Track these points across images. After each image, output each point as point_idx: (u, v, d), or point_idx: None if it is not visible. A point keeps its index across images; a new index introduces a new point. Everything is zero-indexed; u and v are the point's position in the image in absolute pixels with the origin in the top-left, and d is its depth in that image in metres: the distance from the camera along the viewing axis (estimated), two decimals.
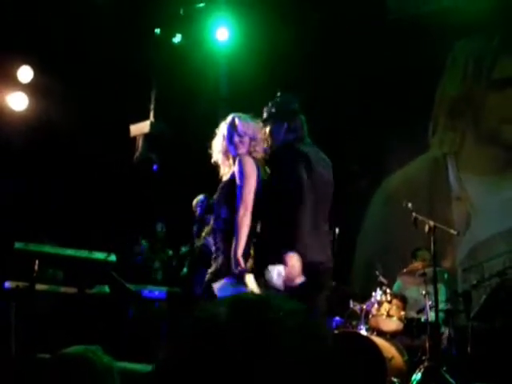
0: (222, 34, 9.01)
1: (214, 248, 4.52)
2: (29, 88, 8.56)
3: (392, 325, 6.29)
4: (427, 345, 5.90)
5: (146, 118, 8.51)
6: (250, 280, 4.20)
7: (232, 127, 4.57)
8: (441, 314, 6.21)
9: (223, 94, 9.59)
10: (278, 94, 5.01)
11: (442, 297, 6.56)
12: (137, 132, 8.46)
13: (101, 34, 8.52)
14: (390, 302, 6.31)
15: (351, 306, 6.53)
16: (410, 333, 6.45)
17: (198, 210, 7.82)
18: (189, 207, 7.92)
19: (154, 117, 8.53)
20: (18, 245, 5.94)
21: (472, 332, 6.13)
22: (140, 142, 8.40)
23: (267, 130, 4.73)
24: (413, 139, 9.20)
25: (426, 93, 9.16)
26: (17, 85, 8.49)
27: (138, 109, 8.66)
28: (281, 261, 4.18)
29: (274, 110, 4.84)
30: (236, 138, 4.54)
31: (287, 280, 4.15)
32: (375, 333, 6.19)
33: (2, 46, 8.08)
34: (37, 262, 5.91)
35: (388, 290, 6.42)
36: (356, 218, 9.42)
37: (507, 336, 6.46)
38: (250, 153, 4.52)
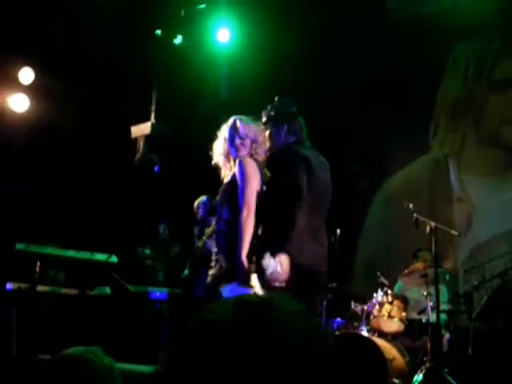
0: (223, 35, 9.00)
1: (215, 249, 4.52)
2: (30, 89, 8.56)
3: (393, 326, 6.29)
4: (428, 346, 5.91)
5: (147, 119, 8.52)
6: (254, 280, 4.21)
7: (233, 129, 4.58)
8: (442, 315, 6.21)
9: (224, 95, 9.58)
10: (276, 97, 5.04)
11: (443, 298, 6.55)
12: (138, 133, 8.46)
13: (101, 35, 8.52)
14: (391, 303, 6.31)
15: (352, 307, 6.53)
16: (412, 334, 6.44)
17: (200, 212, 7.82)
18: (190, 208, 7.92)
19: (155, 118, 8.53)
20: (19, 246, 5.93)
21: (473, 333, 6.12)
22: (141, 144, 8.40)
23: (267, 132, 4.74)
24: (413, 140, 9.20)
25: (427, 94, 9.15)
26: (18, 86, 8.49)
27: (139, 110, 8.66)
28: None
29: (273, 113, 4.86)
30: (237, 141, 4.54)
31: (271, 279, 4.16)
32: (376, 334, 6.19)
33: (2, 48, 8.09)
34: (38, 263, 5.91)
35: (389, 291, 6.42)
36: (357, 218, 9.41)
37: (509, 337, 6.45)
38: (251, 155, 4.53)
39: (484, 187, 8.77)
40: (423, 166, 9.28)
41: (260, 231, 4.43)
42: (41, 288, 6.10)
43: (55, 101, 8.54)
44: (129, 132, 8.51)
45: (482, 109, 8.88)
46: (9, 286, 6.08)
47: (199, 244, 7.54)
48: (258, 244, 4.39)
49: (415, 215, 6.29)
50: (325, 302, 6.24)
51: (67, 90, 8.57)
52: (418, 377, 5.66)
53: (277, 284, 4.17)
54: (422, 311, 6.44)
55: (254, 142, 4.55)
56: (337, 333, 6.12)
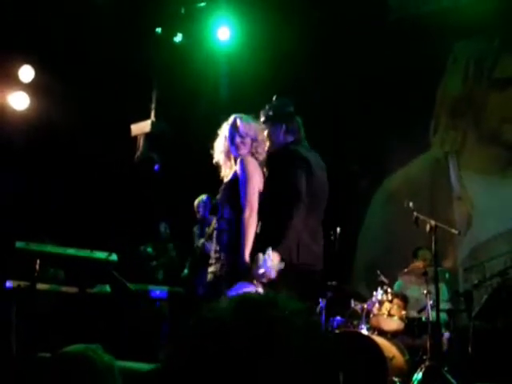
0: (224, 33, 9.00)
1: (215, 247, 4.51)
2: (30, 87, 8.56)
3: (393, 324, 6.29)
4: (428, 344, 5.90)
5: (147, 117, 8.52)
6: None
7: (233, 128, 4.57)
8: (442, 314, 6.21)
9: (224, 93, 9.58)
10: (275, 97, 5.06)
11: (443, 296, 6.56)
12: (138, 131, 8.46)
13: (101, 33, 8.52)
14: (391, 302, 6.31)
15: (352, 305, 6.53)
16: (411, 332, 6.44)
17: (200, 211, 7.81)
18: (190, 207, 7.92)
19: (155, 116, 8.53)
20: (19, 244, 5.92)
21: (473, 332, 6.12)
22: (141, 142, 8.40)
23: (266, 131, 4.75)
24: (413, 138, 9.20)
25: (427, 92, 9.15)
26: (18, 84, 8.49)
27: (139, 108, 8.66)
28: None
29: (271, 113, 4.89)
30: (237, 139, 4.54)
31: (261, 276, 4.17)
32: (376, 332, 6.19)
33: (3, 46, 8.08)
34: (38, 261, 5.91)
35: (389, 290, 6.42)
36: (357, 217, 9.42)
37: (508, 336, 6.45)
38: (252, 154, 4.53)
39: (484, 185, 8.77)
40: (423, 164, 9.28)
41: (258, 230, 4.44)
42: (41, 286, 6.09)
43: (55, 99, 8.54)
44: (129, 130, 8.50)
45: (482, 107, 8.88)
46: (9, 284, 6.08)
47: (199, 244, 7.54)
48: (254, 242, 4.40)
49: (415, 214, 6.29)
50: (325, 301, 6.25)
51: (67, 88, 8.57)
52: (418, 375, 5.65)
53: (265, 280, 4.18)
54: (422, 310, 6.44)
55: (254, 140, 4.55)
56: (337, 331, 6.12)
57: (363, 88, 9.25)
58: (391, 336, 6.21)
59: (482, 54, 8.98)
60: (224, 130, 4.64)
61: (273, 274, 4.15)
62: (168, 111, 8.75)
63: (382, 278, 6.58)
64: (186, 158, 9.07)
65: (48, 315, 6.20)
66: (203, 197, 7.76)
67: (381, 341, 5.86)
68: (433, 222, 6.11)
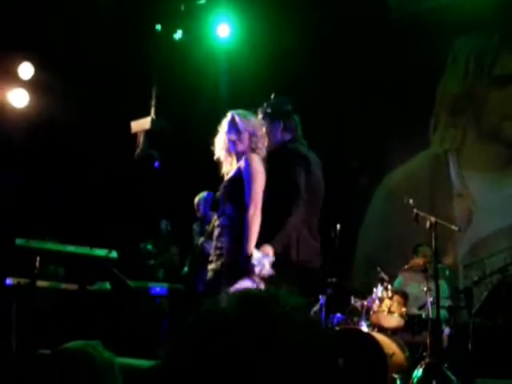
0: (223, 30, 8.99)
1: (215, 244, 4.51)
2: (29, 85, 8.56)
3: (393, 321, 6.29)
4: (428, 341, 5.90)
5: (147, 114, 8.50)
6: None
7: (231, 124, 4.57)
8: (442, 311, 6.21)
9: (224, 90, 9.57)
10: (273, 95, 5.08)
11: (443, 293, 6.56)
12: (138, 129, 8.45)
13: (101, 31, 8.51)
14: (391, 299, 6.31)
15: (352, 302, 6.52)
16: (411, 329, 6.44)
17: (200, 208, 7.80)
18: (190, 204, 7.91)
19: (155, 113, 8.51)
20: (19, 241, 5.92)
21: (473, 328, 6.12)
22: (141, 139, 8.39)
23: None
24: (413, 136, 9.20)
25: (427, 90, 9.15)
26: (17, 81, 8.49)
27: (139, 105, 8.65)
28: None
29: (269, 110, 4.92)
30: (236, 135, 4.54)
31: (258, 272, 4.17)
32: (376, 329, 6.18)
33: (2, 43, 8.07)
34: (38, 258, 5.91)
35: (389, 287, 6.41)
36: (357, 214, 9.42)
37: (508, 332, 6.46)
38: (252, 149, 4.52)
39: (484, 183, 8.77)
40: (423, 161, 9.28)
41: None
42: (41, 283, 6.09)
43: (55, 96, 8.53)
44: (129, 127, 8.49)
45: (482, 104, 8.88)
46: (9, 281, 6.08)
47: (199, 242, 7.53)
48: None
49: (415, 210, 6.28)
50: (325, 298, 6.26)
51: (67, 85, 8.57)
52: (418, 372, 5.66)
53: (264, 276, 4.18)
54: (422, 306, 6.44)
55: (252, 135, 4.55)
56: (337, 328, 6.12)
57: (363, 86, 9.25)
58: (391, 333, 6.21)
59: (481, 50, 8.97)
60: (223, 127, 4.64)
61: (269, 270, 4.15)
62: (168, 108, 8.73)
63: (382, 275, 6.57)
64: (186, 155, 9.07)
65: (48, 312, 6.20)
66: (203, 194, 7.75)
67: (381, 338, 5.86)
68: (433, 219, 6.11)
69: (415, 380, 5.61)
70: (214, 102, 9.07)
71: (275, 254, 4.27)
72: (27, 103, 8.56)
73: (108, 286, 6.76)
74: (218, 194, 4.65)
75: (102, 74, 8.79)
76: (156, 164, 8.48)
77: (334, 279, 6.48)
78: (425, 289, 6.25)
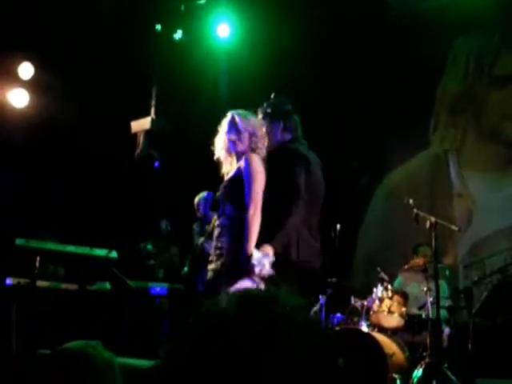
0: (223, 30, 9.00)
1: (215, 244, 4.51)
2: (29, 85, 8.55)
3: (393, 321, 6.29)
4: (428, 341, 5.90)
5: (147, 114, 8.50)
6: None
7: (231, 124, 4.57)
8: (442, 311, 6.21)
9: (224, 90, 9.57)
10: (272, 95, 5.09)
11: (443, 293, 6.56)
12: (138, 129, 8.44)
13: (101, 31, 8.51)
14: (391, 299, 6.30)
15: (352, 302, 6.52)
16: (411, 329, 6.44)
17: (200, 209, 7.80)
18: (190, 204, 7.91)
19: (155, 113, 8.51)
20: (19, 241, 5.92)
21: (473, 328, 6.12)
22: (141, 139, 8.39)
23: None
24: (413, 137, 9.19)
25: (427, 90, 9.15)
26: (18, 81, 8.48)
27: (139, 105, 8.65)
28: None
29: (269, 110, 4.92)
30: (235, 135, 4.54)
31: (258, 271, 4.17)
32: (376, 329, 6.18)
33: (2, 43, 8.07)
34: (38, 258, 5.91)
35: (389, 287, 6.41)
36: (357, 214, 9.42)
37: (508, 332, 6.46)
38: (252, 149, 4.52)
39: (484, 183, 8.77)
40: (423, 161, 9.28)
41: None
42: (41, 283, 6.09)
43: (55, 96, 8.53)
44: (129, 127, 8.49)
45: (482, 104, 8.87)
46: (9, 281, 6.08)
47: (199, 242, 7.53)
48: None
49: (415, 210, 6.28)
50: (325, 298, 6.26)
51: (67, 85, 8.56)
52: (418, 372, 5.65)
53: (264, 276, 4.18)
54: (422, 307, 6.44)
55: (252, 135, 4.55)
56: (337, 328, 6.12)
57: (363, 86, 9.25)
58: (391, 333, 6.21)
59: (482, 50, 8.97)
60: (223, 127, 4.64)
61: (269, 270, 4.15)
62: (168, 108, 8.73)
63: (382, 275, 6.57)
64: (186, 155, 9.07)
65: (48, 312, 6.20)
66: (203, 194, 7.74)
67: (381, 338, 5.86)
68: (433, 219, 6.11)
69: (415, 380, 5.61)
70: (214, 102, 9.07)
71: (275, 253, 4.27)
72: (27, 103, 8.55)
73: (108, 286, 6.76)
74: (218, 194, 4.65)
75: (102, 74, 8.78)
76: (156, 164, 8.47)
77: (334, 279, 6.48)
78: (425, 289, 6.24)
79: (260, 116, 4.87)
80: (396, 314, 6.28)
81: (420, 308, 6.53)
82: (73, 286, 6.43)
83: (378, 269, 6.69)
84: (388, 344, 5.81)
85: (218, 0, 8.85)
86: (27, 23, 8.28)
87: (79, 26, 8.48)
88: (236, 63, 9.34)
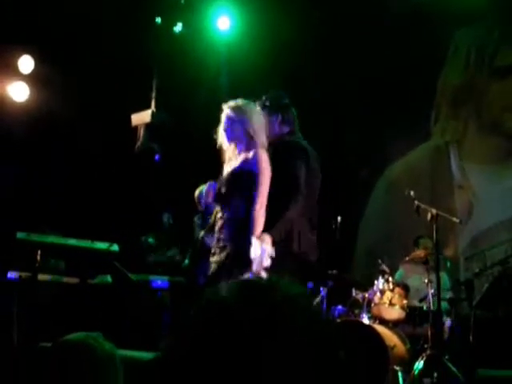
0: (223, 22, 8.98)
1: (218, 236, 4.51)
2: (30, 78, 8.54)
3: (394, 313, 6.29)
4: (429, 333, 5.90)
5: (147, 107, 8.49)
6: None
7: (228, 114, 4.58)
8: (443, 303, 6.21)
9: (224, 83, 9.56)
10: (269, 90, 5.13)
11: (444, 285, 6.55)
12: (138, 122, 8.44)
13: (101, 24, 8.49)
14: (392, 291, 6.30)
15: (353, 294, 6.53)
16: (413, 321, 6.44)
17: (202, 202, 7.78)
18: (191, 197, 7.90)
19: (155, 106, 8.50)
20: (20, 235, 5.94)
21: (474, 320, 6.13)
22: (141, 132, 8.38)
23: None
24: (414, 128, 9.17)
25: (428, 81, 9.12)
26: (18, 75, 8.47)
27: (139, 98, 8.64)
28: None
29: (267, 103, 4.95)
30: (227, 125, 4.55)
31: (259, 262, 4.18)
32: (377, 321, 6.18)
33: (2, 36, 8.06)
34: (39, 252, 5.92)
35: (390, 279, 6.41)
36: (358, 206, 9.41)
37: (509, 324, 6.46)
38: (251, 137, 4.51)
39: (485, 175, 8.76)
40: (424, 153, 9.26)
41: None
42: (42, 277, 6.11)
43: (55, 89, 8.51)
44: (129, 120, 8.49)
45: (483, 96, 8.85)
46: (10, 274, 6.10)
47: (200, 235, 7.52)
48: None
49: (416, 202, 6.28)
50: (326, 290, 6.28)
51: (67, 78, 8.54)
52: (419, 364, 5.66)
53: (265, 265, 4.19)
54: (423, 299, 6.44)
55: (244, 123, 4.54)
56: (338, 320, 6.12)
57: (364, 77, 9.23)
58: (392, 325, 6.21)
59: (483, 41, 8.93)
60: (227, 114, 4.64)
61: (266, 262, 4.17)
62: (168, 101, 8.73)
63: (383, 267, 6.57)
64: (187, 147, 9.06)
65: (49, 306, 6.21)
66: (204, 186, 7.72)
67: (382, 330, 5.86)
68: (434, 211, 6.10)
69: (416, 372, 5.61)
70: (215, 94, 9.05)
71: (274, 243, 4.28)
72: (27, 97, 8.54)
73: (109, 279, 6.78)
74: (220, 185, 4.65)
75: (102, 67, 8.77)
76: (156, 157, 8.47)
77: (334, 271, 6.49)
78: (426, 281, 6.24)
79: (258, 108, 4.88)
80: (397, 306, 6.28)
81: (421, 300, 6.53)
82: (74, 280, 6.45)
83: (379, 261, 6.68)
84: (389, 336, 5.82)
85: None
86: (27, 16, 8.27)
87: (79, 19, 8.46)
88: (236, 55, 9.32)
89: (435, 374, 5.50)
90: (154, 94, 8.58)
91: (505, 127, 8.67)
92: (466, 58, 9.09)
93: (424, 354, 5.75)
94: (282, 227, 4.48)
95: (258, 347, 0.89)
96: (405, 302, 6.34)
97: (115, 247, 6.40)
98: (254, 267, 4.13)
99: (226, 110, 4.57)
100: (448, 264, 7.27)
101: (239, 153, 4.53)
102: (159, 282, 7.51)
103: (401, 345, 5.85)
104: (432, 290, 6.14)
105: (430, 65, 9.05)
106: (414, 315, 6.44)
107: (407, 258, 6.83)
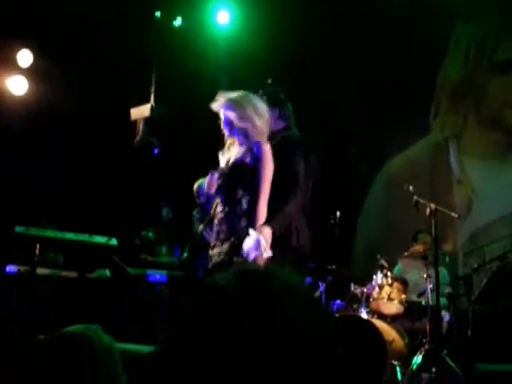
0: (223, 17, 8.98)
1: (219, 228, 4.50)
2: (28, 72, 8.52)
3: (393, 308, 6.29)
4: (428, 328, 5.91)
5: (147, 101, 8.48)
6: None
7: (227, 111, 4.57)
8: (442, 298, 6.21)
9: (223, 77, 9.55)
10: (269, 80, 5.13)
11: (443, 280, 6.55)
12: (137, 116, 8.43)
13: (100, 18, 8.48)
14: (390, 286, 6.31)
15: (352, 289, 6.53)
16: (411, 316, 6.45)
17: (201, 196, 7.77)
18: (191, 191, 7.90)
19: (155, 100, 8.49)
20: (18, 229, 5.93)
21: (472, 315, 6.14)
22: (140, 126, 8.38)
23: None
24: (414, 123, 9.17)
25: (428, 76, 9.11)
26: (16, 69, 8.45)
27: (139, 92, 8.63)
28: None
29: (264, 98, 4.93)
30: (231, 118, 4.55)
31: (256, 255, 4.18)
32: (376, 316, 6.19)
33: (1, 30, 8.04)
34: (38, 246, 5.91)
35: (389, 273, 6.42)
36: (357, 201, 9.41)
37: (508, 319, 6.47)
38: (252, 127, 4.50)
39: (484, 170, 8.76)
40: (423, 148, 9.26)
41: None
42: (40, 271, 6.10)
43: (54, 83, 8.49)
44: (128, 114, 8.48)
45: (483, 91, 8.84)
46: (8, 268, 6.10)
47: (199, 228, 7.51)
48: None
49: (415, 197, 6.28)
50: (324, 285, 6.29)
51: (66, 72, 8.53)
52: (418, 358, 5.67)
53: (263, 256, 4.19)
54: (422, 293, 6.45)
55: (233, 110, 4.53)
56: (336, 315, 6.12)
57: (363, 70, 9.21)
58: (391, 320, 6.22)
59: (483, 35, 8.91)
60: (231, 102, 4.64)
61: (266, 253, 4.17)
62: (167, 95, 8.72)
63: (382, 262, 6.57)
64: (186, 141, 9.06)
65: (48, 300, 6.21)
66: (203, 180, 7.71)
67: (380, 324, 5.87)
68: (433, 206, 6.10)
69: (415, 366, 5.62)
70: (214, 88, 9.02)
71: (274, 235, 4.29)
72: (26, 91, 8.53)
73: (108, 273, 6.77)
74: (221, 177, 4.63)
75: (102, 62, 8.75)
76: (155, 151, 8.47)
77: (333, 266, 6.49)
78: (424, 276, 6.25)
79: None
80: (396, 301, 6.29)
81: (420, 295, 6.53)
82: (72, 274, 6.44)
83: (378, 256, 6.69)
84: (388, 331, 5.83)
85: None
86: (26, 10, 8.25)
87: (78, 13, 8.44)
88: (235, 50, 9.31)
89: (433, 369, 5.50)
90: (153, 88, 8.57)
91: (505, 122, 8.67)
92: (466, 53, 9.07)
93: (422, 349, 5.76)
94: (281, 222, 4.48)
95: (255, 335, 0.89)
96: (403, 296, 6.35)
97: (114, 241, 6.39)
98: (252, 257, 4.13)
99: (226, 101, 4.55)
100: (447, 259, 7.27)
101: (241, 144, 4.52)
102: (157, 276, 7.51)
103: (399, 339, 5.86)
104: (431, 285, 6.15)
105: (430, 60, 9.04)
106: (412, 310, 6.44)
107: (406, 253, 6.83)
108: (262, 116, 4.52)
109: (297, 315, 0.92)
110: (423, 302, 6.38)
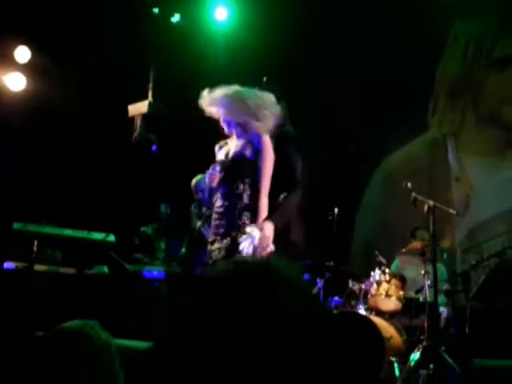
0: (221, 13, 8.97)
1: (218, 223, 4.50)
2: (26, 68, 8.51)
3: (391, 304, 6.30)
4: (426, 324, 5.91)
5: (145, 98, 8.48)
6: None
7: (225, 107, 4.58)
8: (440, 294, 6.21)
9: (221, 73, 9.54)
10: (264, 79, 5.12)
11: (441, 276, 6.55)
12: (135, 112, 8.42)
13: (99, 13, 8.46)
14: (388, 282, 6.31)
15: (350, 285, 6.54)
16: (409, 312, 6.45)
17: (199, 192, 7.77)
18: (189, 187, 7.90)
19: (153, 97, 8.49)
20: (16, 225, 5.93)
21: (470, 312, 6.14)
22: (138, 123, 8.37)
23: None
24: (412, 120, 9.16)
25: (426, 72, 9.11)
26: (14, 65, 8.44)
27: (137, 89, 8.62)
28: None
29: None
30: (228, 118, 4.55)
31: (259, 247, 4.18)
32: (374, 312, 6.20)
33: None
34: (35, 242, 5.91)
35: (387, 270, 6.42)
36: (355, 197, 9.41)
37: (506, 316, 6.47)
38: (251, 119, 4.50)
39: (482, 167, 8.76)
40: (422, 145, 9.26)
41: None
42: (38, 267, 6.10)
43: (52, 79, 8.48)
44: (126, 111, 8.47)
45: (481, 88, 8.84)
46: (6, 265, 6.09)
47: (197, 224, 7.51)
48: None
49: (413, 194, 6.27)
50: (322, 281, 6.29)
51: (64, 68, 8.51)
52: (415, 355, 5.67)
53: (263, 252, 4.19)
54: (420, 290, 6.45)
55: (225, 106, 4.54)
56: (334, 311, 6.13)
57: (361, 67, 9.20)
58: (389, 316, 6.23)
59: (481, 32, 8.90)
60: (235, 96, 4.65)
61: (269, 248, 4.18)
62: (165, 91, 8.71)
63: (380, 259, 6.58)
64: (184, 138, 9.05)
65: (46, 296, 6.21)
66: (201, 176, 7.71)
67: (378, 321, 5.87)
68: (431, 203, 6.10)
69: (412, 363, 5.62)
70: (212, 84, 9.02)
71: (275, 230, 4.30)
72: (24, 87, 8.52)
73: (106, 269, 6.77)
74: (222, 170, 4.63)
75: (100, 58, 8.74)
76: (153, 147, 8.46)
77: (331, 263, 6.49)
78: (422, 272, 6.25)
79: None
80: (394, 298, 6.29)
81: (417, 291, 6.53)
82: (70, 270, 6.44)
83: (376, 252, 6.69)
84: (385, 327, 5.83)
85: None
86: (24, 7, 8.23)
87: (76, 10, 8.43)
88: (234, 46, 9.30)
89: (431, 366, 5.50)
90: (151, 85, 8.57)
91: (503, 119, 8.67)
92: (464, 50, 9.07)
93: (420, 345, 5.76)
94: (279, 219, 4.48)
95: (257, 329, 0.88)
96: (401, 293, 6.36)
97: (112, 238, 6.40)
98: (250, 251, 4.13)
99: (218, 98, 4.56)
100: (445, 256, 7.27)
101: (239, 137, 4.52)
102: (155, 273, 7.51)
103: (397, 336, 5.87)
104: (428, 282, 6.14)
105: (429, 58, 9.03)
106: (410, 306, 6.45)
107: (404, 250, 6.83)
108: (261, 108, 4.52)
109: (298, 309, 0.92)
110: (421, 299, 6.37)
